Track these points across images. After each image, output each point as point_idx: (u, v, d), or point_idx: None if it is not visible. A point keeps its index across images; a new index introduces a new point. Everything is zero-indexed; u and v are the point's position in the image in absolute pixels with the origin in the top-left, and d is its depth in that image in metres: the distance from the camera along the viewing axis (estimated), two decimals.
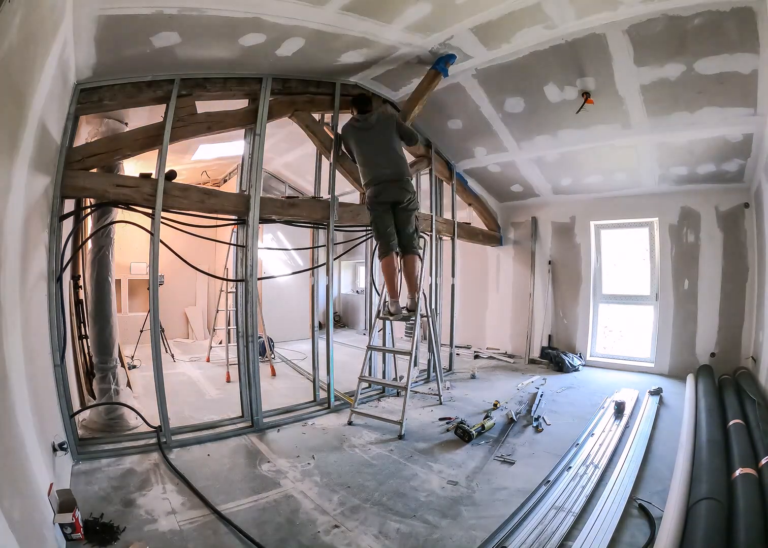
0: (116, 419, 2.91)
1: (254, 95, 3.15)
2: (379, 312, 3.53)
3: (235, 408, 3.20)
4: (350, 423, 3.16)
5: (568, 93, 3.45)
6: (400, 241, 3.31)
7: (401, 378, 4.04)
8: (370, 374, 3.90)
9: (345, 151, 3.43)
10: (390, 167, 3.19)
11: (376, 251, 3.38)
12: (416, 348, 3.45)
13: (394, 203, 3.23)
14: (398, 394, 3.89)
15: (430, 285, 4.39)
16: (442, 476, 2.34)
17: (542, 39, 2.99)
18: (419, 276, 3.46)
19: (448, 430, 2.99)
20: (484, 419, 3.05)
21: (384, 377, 4.01)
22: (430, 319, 4.04)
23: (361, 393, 3.40)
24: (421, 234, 3.64)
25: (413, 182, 3.49)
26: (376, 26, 2.74)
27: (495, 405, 3.54)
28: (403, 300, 3.52)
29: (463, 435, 2.85)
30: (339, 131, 3.49)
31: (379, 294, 4.00)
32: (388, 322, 3.87)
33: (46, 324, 2.30)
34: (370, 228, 3.43)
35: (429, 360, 4.35)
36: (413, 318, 3.43)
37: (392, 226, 3.25)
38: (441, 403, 3.65)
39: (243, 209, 3.03)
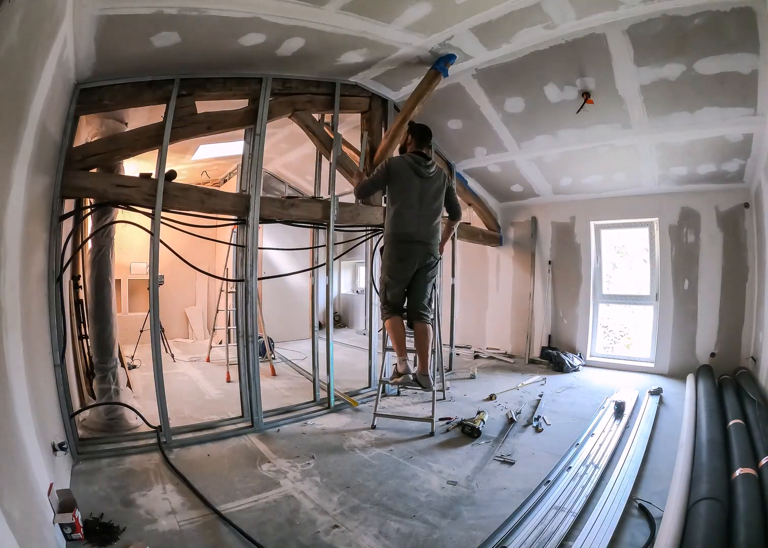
0: (116, 419, 2.91)
1: (254, 95, 3.15)
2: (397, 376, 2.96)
3: (235, 408, 3.20)
4: (374, 427, 3.05)
5: (568, 93, 3.44)
6: (411, 306, 2.99)
7: None
8: (383, 375, 3.82)
9: (376, 179, 3.02)
10: (429, 230, 2.93)
11: (381, 310, 3.03)
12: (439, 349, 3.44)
13: (418, 266, 2.93)
14: (398, 394, 3.90)
15: None
16: (442, 476, 2.34)
17: (542, 39, 2.99)
18: (431, 349, 3.01)
19: (448, 430, 2.99)
20: (479, 413, 3.09)
21: (383, 376, 4.00)
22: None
23: (360, 394, 3.39)
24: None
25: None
26: (376, 26, 2.74)
27: (491, 397, 3.67)
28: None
29: (471, 432, 2.86)
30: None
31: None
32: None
33: (46, 324, 2.30)
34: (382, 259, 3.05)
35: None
36: (429, 390, 2.96)
37: (404, 289, 2.97)
38: (444, 398, 3.68)
39: (243, 209, 3.03)
